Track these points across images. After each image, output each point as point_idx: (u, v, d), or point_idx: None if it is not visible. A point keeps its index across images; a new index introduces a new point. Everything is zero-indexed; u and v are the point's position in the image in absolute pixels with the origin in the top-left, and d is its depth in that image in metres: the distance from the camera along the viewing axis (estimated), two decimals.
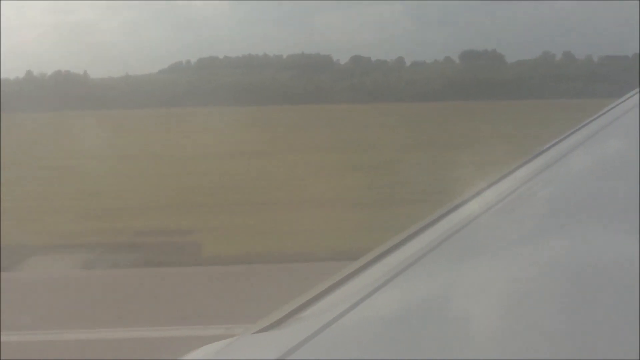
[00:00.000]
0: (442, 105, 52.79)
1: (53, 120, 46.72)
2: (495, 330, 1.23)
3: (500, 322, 1.25)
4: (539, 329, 1.19)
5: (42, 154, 29.59)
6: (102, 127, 40.41)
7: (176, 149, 30.50)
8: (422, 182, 19.46)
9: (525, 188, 2.01)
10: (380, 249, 1.62)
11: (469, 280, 1.46)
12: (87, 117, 44.80)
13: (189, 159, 27.13)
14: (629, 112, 2.59)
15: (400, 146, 27.99)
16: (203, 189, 20.82)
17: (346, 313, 1.29)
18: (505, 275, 1.47)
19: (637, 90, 2.81)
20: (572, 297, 1.30)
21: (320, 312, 1.34)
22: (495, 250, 1.63)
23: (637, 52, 56.96)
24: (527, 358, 1.10)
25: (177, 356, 1.34)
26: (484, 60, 68.80)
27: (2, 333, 8.90)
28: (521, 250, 1.59)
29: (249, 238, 14.98)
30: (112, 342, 9.14)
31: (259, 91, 64.26)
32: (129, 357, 8.41)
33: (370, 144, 30.01)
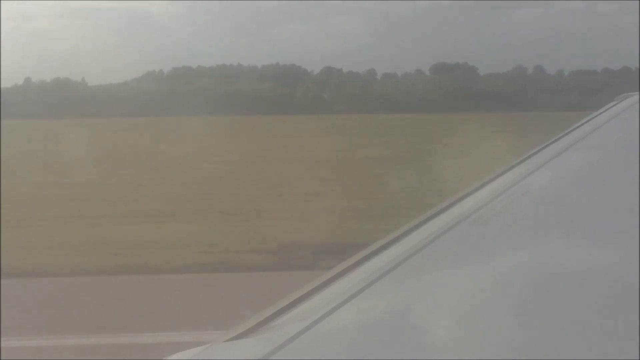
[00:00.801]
0: (420, 118, 52.78)
1: (80, 126, 45.46)
2: (480, 334, 1.20)
3: (487, 326, 1.22)
4: (525, 331, 1.18)
5: (153, 161, 28.07)
6: (152, 134, 40.17)
7: (277, 155, 29.55)
8: None
9: (511, 192, 1.99)
10: (356, 257, 1.60)
11: (451, 286, 1.44)
12: (109, 124, 43.69)
13: (308, 165, 25.87)
14: (614, 119, 2.64)
15: None
16: (380, 194, 19.40)
17: (320, 320, 1.27)
18: (491, 278, 1.45)
19: (620, 98, 2.90)
20: (562, 301, 1.28)
21: (294, 320, 1.32)
22: (481, 254, 1.60)
23: (605, 67, 61.96)
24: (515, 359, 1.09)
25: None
26: (456, 72, 69.02)
27: None
28: (507, 255, 1.58)
29: None
30: None
31: (250, 100, 65.04)
32: None
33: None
